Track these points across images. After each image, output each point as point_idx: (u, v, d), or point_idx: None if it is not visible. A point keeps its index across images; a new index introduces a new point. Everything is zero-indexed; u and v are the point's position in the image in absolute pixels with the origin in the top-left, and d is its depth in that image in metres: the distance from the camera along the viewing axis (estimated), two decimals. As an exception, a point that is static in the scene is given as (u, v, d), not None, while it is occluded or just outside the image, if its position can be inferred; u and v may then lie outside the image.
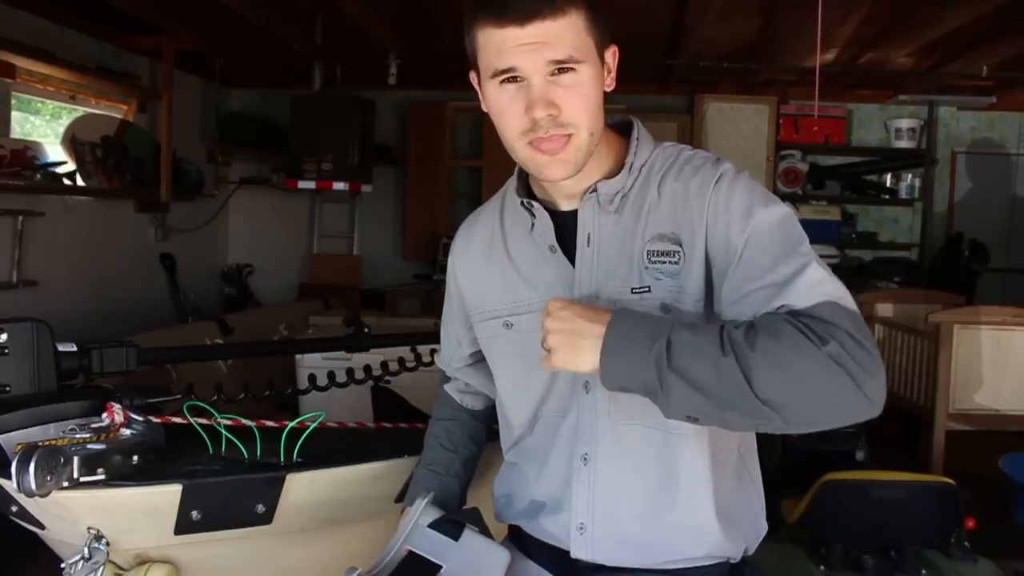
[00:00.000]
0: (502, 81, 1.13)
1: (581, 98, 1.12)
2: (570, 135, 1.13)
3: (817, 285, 1.04)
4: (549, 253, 1.24)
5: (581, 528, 1.23)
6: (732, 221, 1.13)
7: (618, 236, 1.20)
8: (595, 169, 1.20)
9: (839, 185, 5.95)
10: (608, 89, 1.19)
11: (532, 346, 1.24)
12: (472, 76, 1.21)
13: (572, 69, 1.11)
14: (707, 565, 1.23)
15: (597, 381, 1.18)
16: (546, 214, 1.23)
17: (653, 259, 1.17)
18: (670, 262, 1.16)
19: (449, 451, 1.43)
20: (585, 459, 1.22)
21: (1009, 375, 3.82)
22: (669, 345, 0.99)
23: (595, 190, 1.20)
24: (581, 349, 1.04)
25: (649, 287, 1.16)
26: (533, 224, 1.25)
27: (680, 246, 1.16)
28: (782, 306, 1.03)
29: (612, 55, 1.19)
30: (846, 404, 0.98)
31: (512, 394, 1.32)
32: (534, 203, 1.24)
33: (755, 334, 0.98)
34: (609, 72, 1.19)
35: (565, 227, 1.23)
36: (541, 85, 1.11)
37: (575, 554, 1.23)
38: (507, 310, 1.28)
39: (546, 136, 1.12)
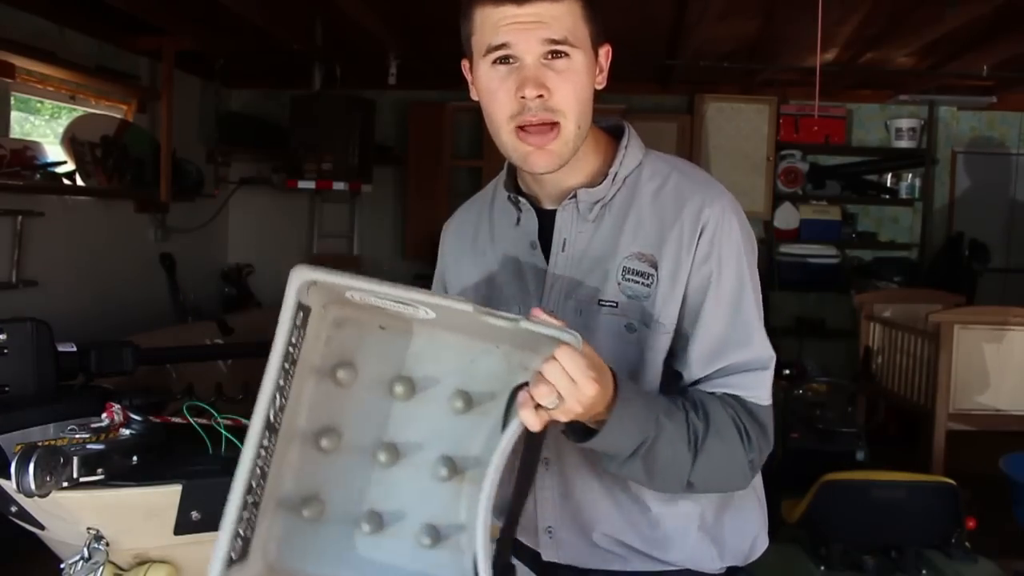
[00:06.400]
0: (494, 61, 1.12)
1: (572, 85, 1.11)
2: (557, 123, 1.12)
3: (766, 380, 1.15)
4: (530, 249, 1.24)
5: (549, 531, 1.23)
6: (709, 278, 1.14)
7: (595, 247, 1.19)
8: (578, 172, 1.20)
9: (839, 185, 5.95)
10: (599, 87, 1.18)
11: None
12: (464, 65, 1.21)
13: (566, 54, 1.11)
14: (681, 570, 1.21)
15: None
16: (532, 210, 1.24)
17: (626, 276, 1.16)
18: (642, 283, 1.15)
19: None
20: (546, 463, 1.21)
21: (1009, 375, 3.82)
22: (655, 440, 1.05)
23: (575, 196, 1.19)
24: (586, 415, 0.99)
25: (617, 303, 1.16)
26: (519, 218, 1.25)
27: (655, 271, 1.15)
28: (737, 398, 1.13)
29: (605, 54, 1.19)
30: (736, 488, 1.17)
31: None
32: (521, 199, 1.24)
33: (707, 429, 1.09)
34: (601, 71, 1.18)
35: (548, 226, 1.23)
36: (533, 66, 1.10)
37: (545, 556, 1.24)
38: (482, 299, 1.28)
39: (534, 118, 1.11)
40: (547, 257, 1.22)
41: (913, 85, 5.54)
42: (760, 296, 1.19)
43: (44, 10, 4.00)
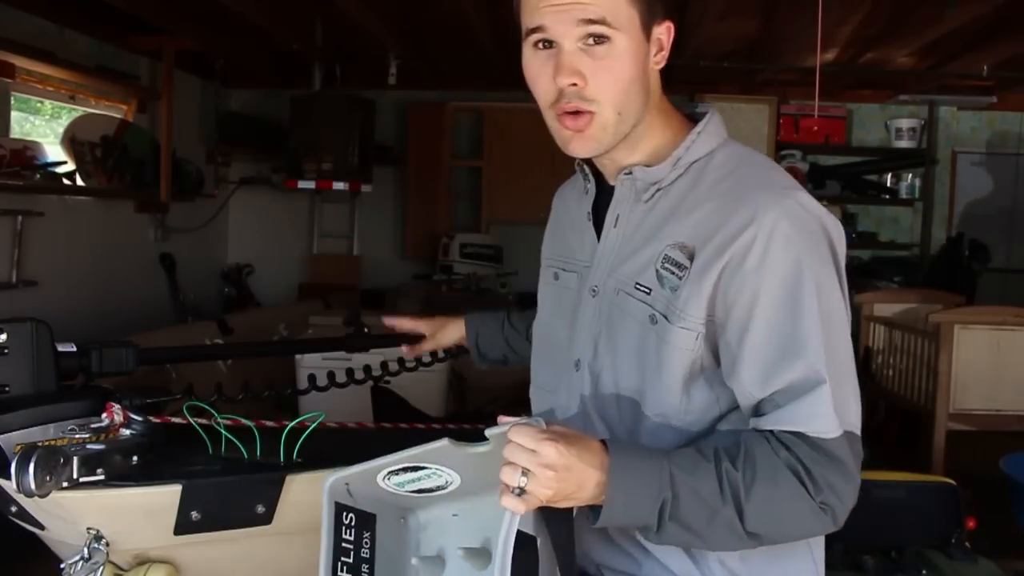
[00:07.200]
0: (535, 44, 1.09)
1: (610, 73, 1.07)
2: (592, 113, 1.08)
3: (823, 406, 1.01)
4: (586, 220, 1.24)
5: None
6: (757, 290, 1.04)
7: (645, 228, 1.15)
8: (637, 151, 1.15)
9: (839, 185, 5.95)
10: (658, 66, 1.14)
11: (562, 304, 1.27)
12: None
13: (606, 39, 1.06)
14: None
15: (588, 363, 1.18)
16: (594, 182, 1.23)
17: (665, 264, 1.10)
18: (675, 275, 1.09)
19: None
20: None
21: (1009, 375, 3.82)
22: (675, 497, 0.99)
23: (630, 172, 1.15)
24: (582, 490, 0.97)
25: (651, 290, 1.11)
26: (587, 188, 1.24)
27: (690, 263, 1.08)
28: (800, 435, 1.01)
29: (666, 31, 1.13)
30: (819, 532, 1.09)
31: (536, 341, 1.34)
32: (586, 168, 1.23)
33: (753, 478, 1.00)
34: (660, 50, 1.13)
35: (608, 201, 1.21)
36: (570, 52, 1.06)
37: None
38: (558, 263, 1.31)
39: (569, 106, 1.08)
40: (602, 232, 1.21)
41: (913, 85, 5.54)
42: (832, 310, 1.05)
43: (44, 10, 4.00)
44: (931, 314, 3.89)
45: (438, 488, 1.07)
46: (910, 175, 5.91)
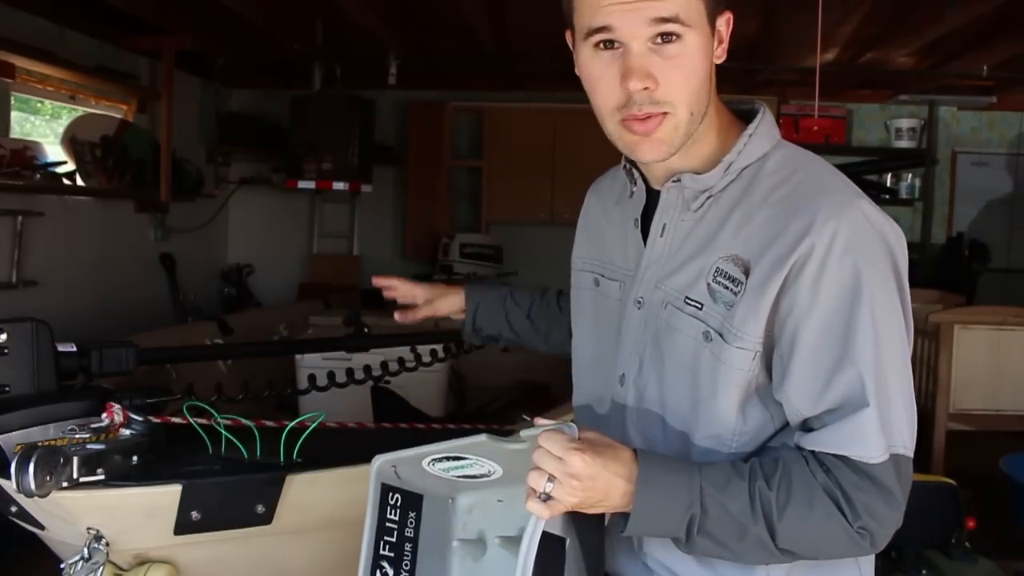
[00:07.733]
0: (596, 44, 1.01)
1: (683, 72, 1.00)
2: (665, 113, 1.02)
3: (869, 429, 0.97)
4: (633, 226, 1.17)
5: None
6: (811, 304, 0.99)
7: (693, 239, 1.09)
8: (689, 155, 1.08)
9: (839, 185, 5.95)
10: (719, 61, 1.07)
11: (603, 313, 1.22)
12: (568, 36, 1.10)
13: (677, 37, 0.99)
14: None
15: (632, 378, 1.14)
16: (643, 186, 1.15)
17: (717, 278, 1.05)
18: (730, 290, 1.03)
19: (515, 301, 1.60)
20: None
21: (1009, 375, 3.82)
22: (704, 512, 0.97)
23: (679, 179, 1.09)
24: (609, 499, 0.97)
25: (702, 305, 1.06)
26: (632, 192, 1.17)
27: (746, 279, 1.02)
28: (844, 459, 0.98)
29: (726, 23, 1.07)
30: (854, 554, 1.03)
31: (579, 352, 1.29)
32: (635, 171, 1.15)
33: (787, 499, 0.97)
34: (721, 42, 1.07)
35: (655, 206, 1.14)
36: (640, 53, 0.99)
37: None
38: (597, 267, 1.25)
39: (639, 112, 1.01)
40: (648, 238, 1.15)
41: (913, 85, 5.54)
42: (886, 329, 1.00)
43: (44, 10, 4.00)
44: (931, 314, 3.89)
45: (482, 476, 1.08)
46: (910, 175, 5.91)
